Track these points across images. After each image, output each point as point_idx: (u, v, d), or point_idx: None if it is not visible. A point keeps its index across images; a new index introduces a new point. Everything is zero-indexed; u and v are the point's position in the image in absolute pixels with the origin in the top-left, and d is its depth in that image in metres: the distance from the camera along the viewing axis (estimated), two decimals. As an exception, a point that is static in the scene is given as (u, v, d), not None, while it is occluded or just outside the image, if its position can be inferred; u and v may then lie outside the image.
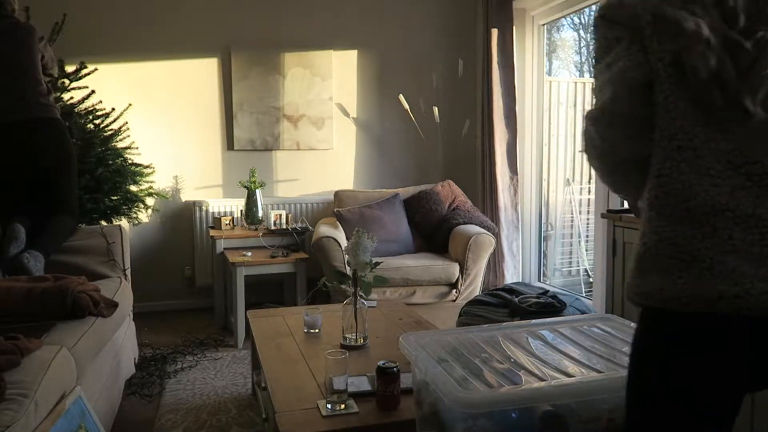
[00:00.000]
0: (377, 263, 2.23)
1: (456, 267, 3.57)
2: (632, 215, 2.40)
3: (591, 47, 1.35)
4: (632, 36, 1.01)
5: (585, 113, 1.14)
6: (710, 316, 0.94)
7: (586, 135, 1.15)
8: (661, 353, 1.01)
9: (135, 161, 3.69)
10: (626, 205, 1.45)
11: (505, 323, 1.65)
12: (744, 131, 0.94)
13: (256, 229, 3.84)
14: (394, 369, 1.62)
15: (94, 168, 3.35)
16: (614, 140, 1.09)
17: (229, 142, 4.22)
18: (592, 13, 4.45)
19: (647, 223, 1.04)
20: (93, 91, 3.53)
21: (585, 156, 1.19)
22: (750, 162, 0.94)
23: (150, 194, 3.75)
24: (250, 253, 3.57)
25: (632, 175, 1.12)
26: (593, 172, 1.40)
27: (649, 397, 1.02)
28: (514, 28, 4.07)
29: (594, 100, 1.12)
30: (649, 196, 1.03)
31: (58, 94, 3.39)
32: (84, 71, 3.51)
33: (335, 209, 3.98)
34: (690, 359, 0.98)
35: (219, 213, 4.12)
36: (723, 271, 0.93)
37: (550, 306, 3.08)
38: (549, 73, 4.45)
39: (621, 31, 1.03)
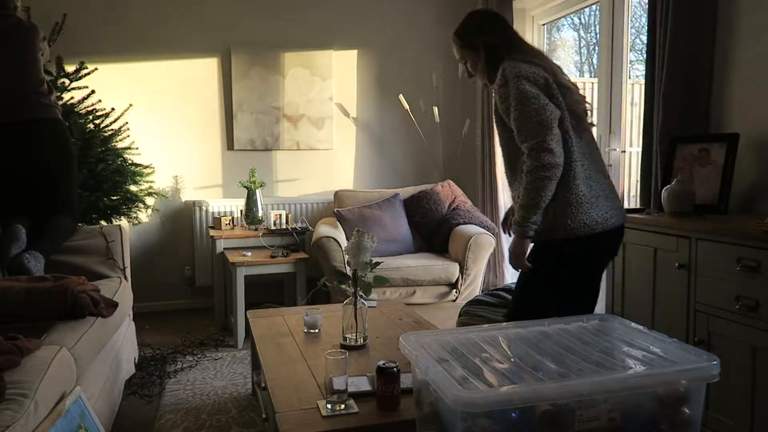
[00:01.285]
0: (377, 263, 2.23)
1: (456, 267, 3.57)
2: (632, 215, 2.40)
3: (513, 97, 1.94)
4: (543, 94, 1.83)
5: (531, 149, 1.81)
6: (585, 236, 1.84)
7: (546, 161, 1.81)
8: (556, 265, 1.91)
9: (135, 161, 3.69)
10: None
11: (505, 323, 1.64)
12: (586, 137, 1.93)
13: (256, 229, 3.84)
14: (394, 369, 1.62)
15: (95, 168, 3.35)
16: (559, 153, 1.82)
17: (229, 142, 4.22)
18: (593, 13, 4.45)
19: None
20: (93, 91, 3.53)
21: (541, 181, 1.82)
22: (591, 152, 1.92)
23: (150, 194, 3.75)
24: (250, 253, 3.57)
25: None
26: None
27: (544, 293, 1.92)
28: (514, 28, 4.06)
29: (525, 135, 1.82)
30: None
31: (59, 94, 3.39)
32: (84, 71, 3.51)
33: (335, 209, 3.98)
34: (576, 266, 1.91)
35: (219, 213, 4.12)
36: (597, 206, 1.85)
37: (550, 306, 3.07)
38: (549, 73, 4.45)
39: (537, 90, 1.82)
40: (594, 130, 2.06)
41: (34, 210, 2.77)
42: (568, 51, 5.04)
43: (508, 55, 1.93)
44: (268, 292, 4.09)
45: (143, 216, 3.88)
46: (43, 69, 2.89)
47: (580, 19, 4.75)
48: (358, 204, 3.98)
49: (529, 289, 1.96)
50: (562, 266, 1.90)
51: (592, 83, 4.52)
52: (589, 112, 1.97)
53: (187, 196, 4.18)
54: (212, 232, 3.83)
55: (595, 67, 4.04)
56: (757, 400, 1.87)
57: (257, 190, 3.91)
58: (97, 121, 3.54)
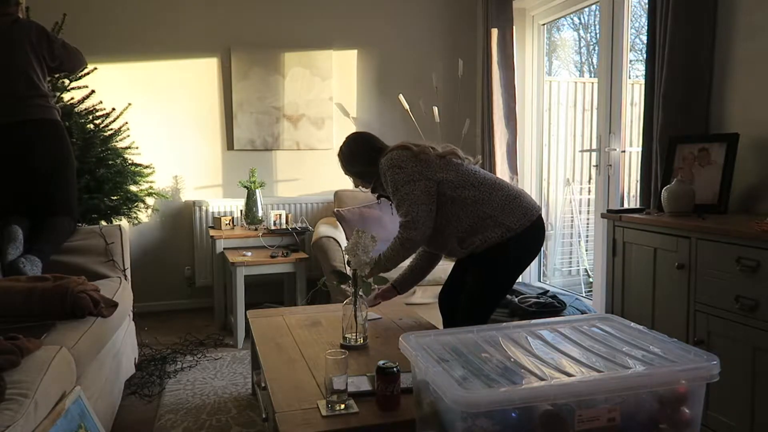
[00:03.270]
0: (377, 263, 2.23)
1: (456, 267, 3.56)
2: (632, 215, 2.40)
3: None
4: (423, 176, 2.21)
5: (405, 224, 2.22)
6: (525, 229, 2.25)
7: (420, 224, 2.20)
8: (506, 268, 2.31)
9: (135, 161, 3.69)
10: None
11: (505, 323, 1.64)
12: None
13: (256, 229, 3.84)
14: (394, 369, 1.62)
15: (94, 168, 3.35)
16: (429, 219, 2.22)
17: (229, 142, 4.22)
18: (593, 13, 4.45)
19: (473, 215, 2.24)
20: (93, 91, 3.53)
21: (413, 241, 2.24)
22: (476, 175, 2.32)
23: (150, 194, 3.74)
24: (250, 253, 3.57)
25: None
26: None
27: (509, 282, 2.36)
28: (514, 28, 4.06)
29: (406, 209, 2.21)
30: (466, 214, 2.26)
31: (58, 94, 3.39)
32: (84, 71, 3.50)
33: (335, 209, 3.97)
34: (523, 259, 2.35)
35: (219, 213, 4.12)
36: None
37: (550, 306, 3.08)
38: (549, 73, 4.45)
39: (419, 175, 2.21)
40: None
41: (32, 211, 2.76)
42: (568, 51, 5.04)
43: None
44: (268, 292, 4.09)
45: (143, 216, 3.88)
46: (46, 69, 2.85)
47: (580, 19, 4.75)
48: (358, 204, 3.97)
49: (485, 297, 2.31)
50: (513, 267, 2.32)
51: (592, 83, 4.52)
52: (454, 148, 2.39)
53: (187, 196, 4.18)
54: (212, 232, 3.83)
55: (595, 67, 4.04)
56: (757, 400, 1.87)
57: (257, 190, 3.91)
58: (97, 121, 3.54)
